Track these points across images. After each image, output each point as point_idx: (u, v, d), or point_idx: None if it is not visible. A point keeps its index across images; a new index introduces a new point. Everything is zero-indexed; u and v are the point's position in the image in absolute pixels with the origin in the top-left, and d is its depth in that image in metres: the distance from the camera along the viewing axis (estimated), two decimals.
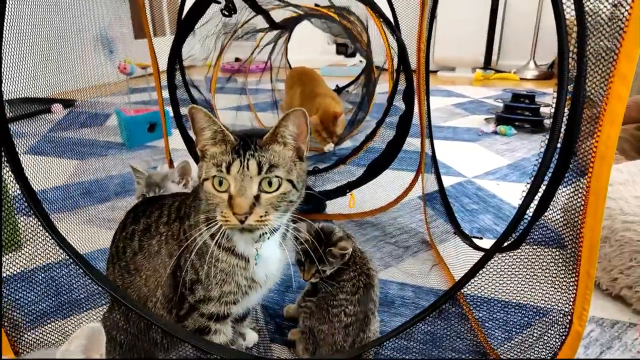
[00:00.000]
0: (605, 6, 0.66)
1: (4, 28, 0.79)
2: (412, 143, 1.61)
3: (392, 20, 1.54)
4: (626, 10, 0.62)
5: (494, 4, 4.14)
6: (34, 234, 0.92)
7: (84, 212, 1.61)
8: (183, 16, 1.29)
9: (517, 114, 2.57)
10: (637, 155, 1.70)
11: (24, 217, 0.92)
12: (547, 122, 2.56)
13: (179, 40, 1.29)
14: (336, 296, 0.89)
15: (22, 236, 1.04)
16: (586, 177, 0.68)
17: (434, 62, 4.40)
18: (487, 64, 4.39)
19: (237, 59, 4.53)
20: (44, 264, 0.94)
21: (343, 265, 0.95)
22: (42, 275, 0.99)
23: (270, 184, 0.68)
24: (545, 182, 0.73)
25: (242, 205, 0.66)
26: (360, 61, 4.30)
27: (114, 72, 2.52)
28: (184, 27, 1.28)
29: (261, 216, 0.67)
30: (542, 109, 2.58)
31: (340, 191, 1.57)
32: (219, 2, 1.30)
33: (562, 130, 0.70)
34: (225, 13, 1.27)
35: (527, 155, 2.17)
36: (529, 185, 0.70)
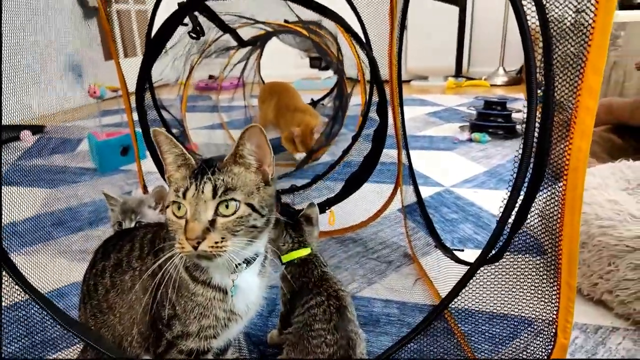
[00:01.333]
0: (569, 14, 0.66)
1: None
2: (390, 155, 1.61)
3: (361, 32, 1.55)
4: (591, 19, 0.62)
5: (461, 14, 4.24)
6: None
7: (56, 244, 1.55)
8: (151, 38, 1.27)
9: (490, 121, 2.62)
10: (607, 157, 1.74)
11: None
12: (519, 127, 2.61)
13: (147, 63, 1.26)
14: (312, 326, 0.86)
15: None
16: (561, 182, 0.68)
17: (407, 71, 4.47)
18: (458, 72, 4.48)
19: (210, 77, 4.50)
20: (11, 303, 0.89)
21: (305, 290, 0.93)
22: (10, 314, 0.94)
23: (227, 207, 0.65)
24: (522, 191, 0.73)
25: (195, 230, 0.63)
26: (335, 72, 4.33)
27: (84, 95, 2.46)
28: (152, 49, 1.25)
29: (216, 242, 0.63)
30: (514, 115, 2.63)
31: (319, 208, 1.55)
32: (186, 24, 1.28)
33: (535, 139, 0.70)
34: (193, 35, 1.25)
35: (502, 161, 2.20)
36: (505, 200, 0.70)
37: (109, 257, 0.82)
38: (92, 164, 2.40)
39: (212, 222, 0.64)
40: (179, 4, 1.18)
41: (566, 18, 0.67)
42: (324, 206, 1.56)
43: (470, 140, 2.56)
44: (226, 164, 0.68)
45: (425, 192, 1.84)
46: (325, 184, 1.76)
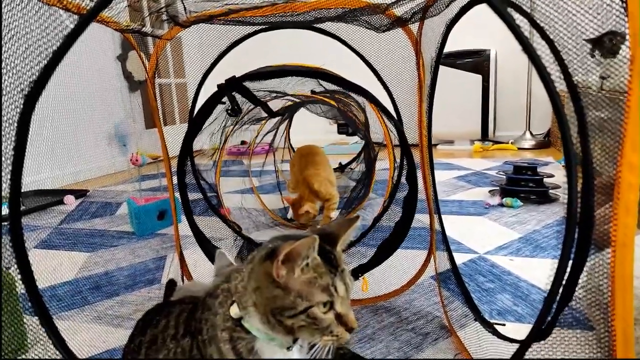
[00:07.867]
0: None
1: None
2: (421, 220, 1.61)
3: (390, 103, 1.61)
4: (625, 88, 0.63)
5: (484, 81, 4.36)
6: (41, 337, 0.90)
7: (92, 309, 1.57)
8: (193, 117, 1.36)
9: (521, 185, 2.59)
10: None
11: (28, 316, 0.90)
12: (552, 192, 2.58)
13: (189, 139, 1.35)
14: None
15: (29, 339, 1.01)
16: (607, 251, 0.67)
17: (433, 136, 4.53)
18: (484, 136, 4.52)
19: (243, 142, 4.69)
20: None
21: None
22: None
23: None
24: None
25: (354, 319, 0.67)
26: (362, 138, 4.45)
27: (126, 162, 2.60)
28: (194, 127, 1.34)
29: None
30: (546, 180, 2.60)
31: (353, 275, 1.54)
32: (224, 103, 1.37)
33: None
34: (231, 113, 1.34)
35: (538, 227, 2.15)
36: (552, 278, 0.69)
37: (145, 332, 0.82)
38: (129, 228, 2.47)
39: None
40: (218, 85, 1.27)
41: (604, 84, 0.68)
42: (357, 273, 1.55)
43: (502, 205, 2.53)
44: (340, 251, 0.73)
45: (459, 259, 1.81)
46: (357, 249, 1.76)
